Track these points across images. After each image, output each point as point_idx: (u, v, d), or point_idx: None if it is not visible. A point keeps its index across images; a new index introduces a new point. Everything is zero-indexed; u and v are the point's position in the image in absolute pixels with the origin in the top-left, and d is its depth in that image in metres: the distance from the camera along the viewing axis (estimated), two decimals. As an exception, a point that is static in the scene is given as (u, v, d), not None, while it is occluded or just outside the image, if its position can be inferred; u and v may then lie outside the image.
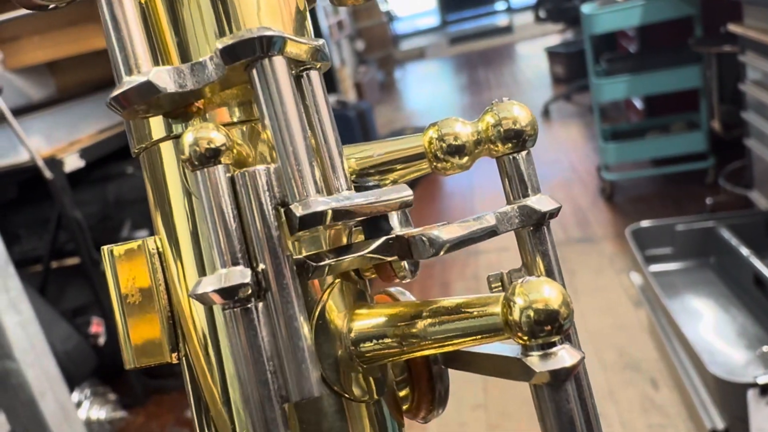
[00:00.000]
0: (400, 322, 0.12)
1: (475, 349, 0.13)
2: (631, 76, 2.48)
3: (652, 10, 2.38)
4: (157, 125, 0.12)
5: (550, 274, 0.12)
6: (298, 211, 0.10)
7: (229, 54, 0.10)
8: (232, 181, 0.10)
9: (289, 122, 0.10)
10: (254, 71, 0.10)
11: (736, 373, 0.98)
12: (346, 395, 0.12)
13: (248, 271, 0.10)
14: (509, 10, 8.64)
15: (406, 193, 0.12)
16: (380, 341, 0.12)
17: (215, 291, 0.10)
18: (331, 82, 3.96)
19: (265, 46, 0.10)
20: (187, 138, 0.10)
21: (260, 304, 0.10)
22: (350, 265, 0.12)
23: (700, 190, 2.48)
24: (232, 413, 0.14)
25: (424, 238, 0.11)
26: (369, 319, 0.12)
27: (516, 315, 0.11)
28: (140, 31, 0.10)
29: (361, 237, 0.13)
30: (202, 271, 0.12)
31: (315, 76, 0.11)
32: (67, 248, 1.97)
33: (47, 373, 1.47)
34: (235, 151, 0.10)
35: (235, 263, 0.10)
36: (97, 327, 1.95)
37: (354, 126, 3.45)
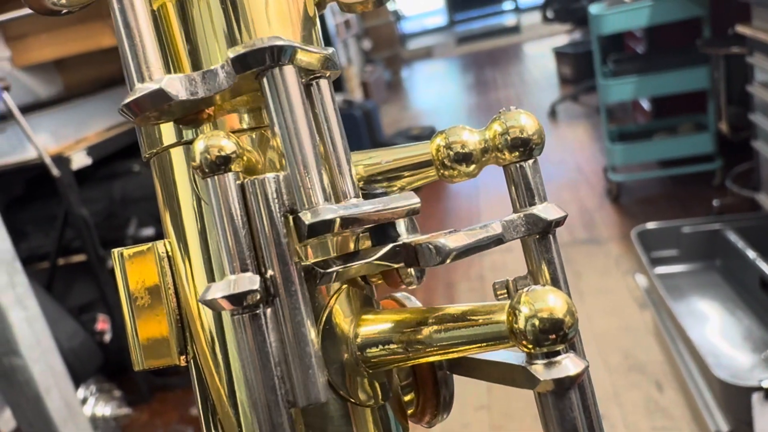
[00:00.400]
0: (405, 328, 0.12)
1: (480, 356, 0.13)
2: (639, 77, 2.47)
3: (660, 10, 2.37)
4: (167, 131, 0.12)
5: (555, 282, 0.12)
6: (307, 219, 0.10)
7: (240, 63, 0.10)
8: (242, 189, 0.10)
9: (299, 130, 0.10)
10: (265, 80, 0.11)
11: (741, 377, 0.98)
12: (352, 400, 0.12)
13: (257, 278, 0.10)
14: (517, 10, 8.62)
15: (414, 201, 0.12)
16: (386, 347, 0.12)
17: (224, 297, 0.10)
18: (337, 81, 3.96)
19: (276, 55, 0.10)
20: (198, 146, 0.10)
21: (269, 310, 0.11)
22: (358, 271, 0.12)
23: (708, 192, 2.47)
24: (239, 415, 0.14)
25: (430, 246, 0.11)
26: (375, 325, 0.12)
27: (521, 323, 0.11)
28: (153, 38, 0.10)
29: (369, 243, 0.13)
30: (210, 275, 0.12)
31: (324, 85, 0.11)
32: (74, 245, 1.98)
33: (53, 370, 1.48)
34: (245, 158, 0.10)
35: (244, 269, 0.10)
36: (102, 324, 1.95)
37: (360, 125, 3.44)
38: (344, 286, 0.12)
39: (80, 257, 1.99)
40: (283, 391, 0.11)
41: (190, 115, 0.11)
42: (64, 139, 1.97)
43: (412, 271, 0.13)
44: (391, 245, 0.11)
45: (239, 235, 0.10)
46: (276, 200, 0.10)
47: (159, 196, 0.13)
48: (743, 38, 1.89)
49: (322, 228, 0.10)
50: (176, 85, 0.10)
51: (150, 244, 0.13)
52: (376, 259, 0.11)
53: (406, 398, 0.13)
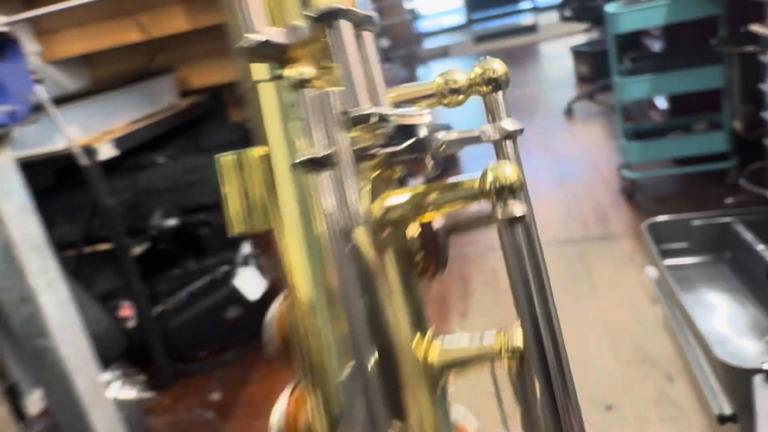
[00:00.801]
0: (416, 195, 0.17)
1: (463, 216, 0.17)
2: (655, 76, 2.49)
3: (676, 9, 2.39)
4: (258, 70, 0.16)
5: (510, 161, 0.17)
6: (354, 112, 0.15)
7: (315, 20, 0.15)
8: (317, 97, 0.15)
9: (353, 64, 0.15)
10: (331, 30, 0.15)
11: (745, 362, 1.01)
12: (375, 239, 0.17)
13: (327, 150, 0.15)
14: (535, 9, 8.62)
15: (426, 112, 0.16)
16: (403, 207, 0.16)
17: (310, 160, 0.14)
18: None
19: (337, 14, 0.14)
20: (294, 73, 0.15)
21: (332, 172, 0.15)
22: (387, 156, 0.16)
23: (721, 190, 2.49)
24: (314, 265, 0.17)
25: (431, 136, 0.15)
26: (398, 195, 0.17)
27: (487, 185, 0.15)
28: (258, 4, 0.15)
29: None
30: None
31: (368, 35, 0.16)
32: (100, 234, 2.04)
33: (81, 352, 1.54)
34: (318, 81, 0.15)
35: (317, 145, 0.15)
36: (126, 311, 2.02)
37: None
38: (379, 171, 0.17)
39: (105, 246, 2.05)
40: (338, 228, 0.15)
41: (281, 56, 0.15)
42: (92, 131, 2.03)
43: (430, 161, 0.17)
44: (413, 139, 0.16)
45: (314, 126, 0.15)
46: (335, 104, 0.15)
47: (251, 115, 0.17)
48: (758, 37, 1.91)
49: (362, 119, 0.14)
50: (276, 35, 0.14)
51: (247, 150, 0.17)
52: (401, 150, 0.16)
53: (417, 259, 0.17)
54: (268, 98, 0.16)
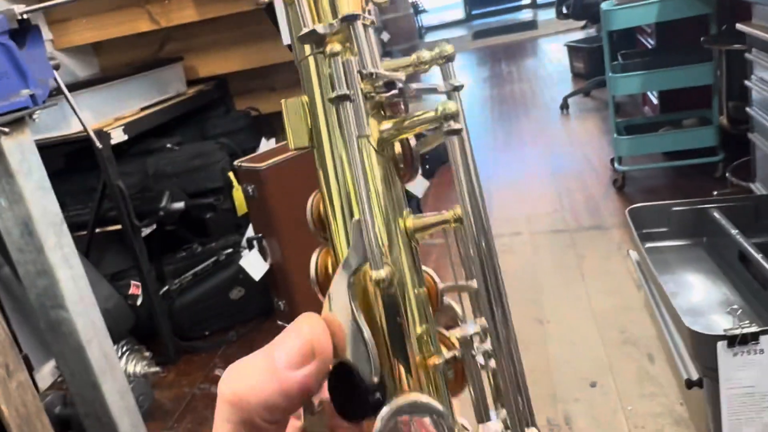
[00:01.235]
0: (397, 122, 0.25)
1: (427, 138, 0.26)
2: (646, 72, 2.57)
3: (668, 7, 2.47)
4: (307, 49, 0.25)
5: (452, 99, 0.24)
6: (363, 71, 0.23)
7: (342, 20, 0.23)
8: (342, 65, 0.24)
9: (363, 45, 0.23)
10: (351, 26, 0.24)
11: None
12: (376, 149, 0.25)
13: (349, 92, 0.23)
14: (534, 5, 8.69)
15: (403, 74, 0.24)
16: (390, 129, 0.24)
17: (338, 96, 0.23)
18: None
19: (356, 17, 0.23)
20: (330, 49, 0.23)
21: (351, 103, 0.23)
22: (381, 98, 0.24)
23: (709, 183, 2.57)
24: (336, 167, 0.25)
25: (406, 87, 0.24)
26: (387, 122, 0.24)
27: (439, 112, 0.23)
28: (308, 8, 0.24)
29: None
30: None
31: (370, 31, 0.24)
32: (109, 216, 2.12)
33: (94, 324, 1.62)
34: (344, 54, 0.24)
35: (343, 89, 0.23)
36: (134, 289, 2.10)
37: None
38: (376, 109, 0.25)
39: (114, 227, 2.13)
40: (355, 135, 0.23)
41: (322, 41, 0.24)
42: (103, 116, 2.11)
43: (405, 103, 0.25)
44: (394, 90, 0.24)
45: (342, 79, 0.23)
46: (353, 67, 0.23)
47: (303, 83, 0.25)
48: (744, 35, 1.99)
49: (368, 75, 0.23)
50: (320, 28, 0.23)
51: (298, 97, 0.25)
52: (389, 95, 0.24)
53: (400, 166, 0.26)
54: (312, 67, 0.25)
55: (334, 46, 0.23)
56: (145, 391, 1.90)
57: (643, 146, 2.71)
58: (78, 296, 1.59)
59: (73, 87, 2.12)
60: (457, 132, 0.23)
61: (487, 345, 0.23)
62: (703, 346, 1.06)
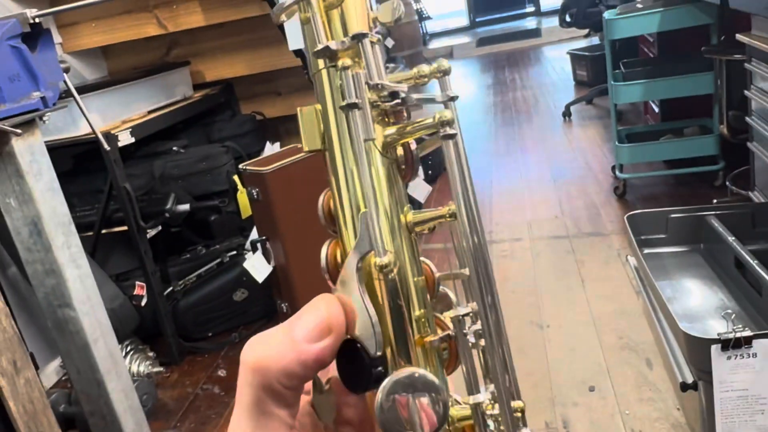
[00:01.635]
0: (400, 128, 0.27)
1: (426, 142, 0.28)
2: (647, 81, 2.60)
3: (669, 17, 2.50)
4: (320, 62, 0.28)
5: (451, 124, 0.27)
6: (370, 83, 0.26)
7: (352, 38, 0.26)
8: (352, 76, 0.26)
9: (370, 59, 0.26)
10: (360, 43, 0.26)
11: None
12: (380, 150, 0.27)
13: (357, 101, 0.26)
14: (538, 13, 8.73)
15: (406, 85, 0.27)
16: (393, 134, 0.27)
17: (348, 105, 0.25)
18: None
19: (364, 36, 0.26)
20: (341, 63, 0.26)
21: (359, 111, 0.26)
22: (385, 107, 0.27)
23: (709, 191, 2.60)
24: (346, 169, 0.28)
25: (408, 97, 0.26)
26: (390, 128, 0.27)
27: (436, 119, 0.26)
28: (322, 27, 0.27)
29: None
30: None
31: (377, 46, 0.27)
32: (115, 217, 2.15)
33: (100, 323, 1.64)
34: (353, 68, 0.26)
35: (352, 98, 0.26)
36: (139, 289, 2.13)
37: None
38: (381, 116, 0.28)
39: (120, 228, 2.15)
40: (362, 138, 0.26)
41: (334, 56, 0.27)
42: (111, 119, 2.14)
43: (407, 111, 0.28)
44: (397, 99, 0.27)
45: (351, 90, 0.26)
46: (361, 79, 0.26)
47: (317, 93, 0.28)
48: (744, 46, 2.01)
49: (374, 87, 0.26)
50: (333, 44, 0.26)
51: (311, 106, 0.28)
52: (392, 104, 0.27)
53: (402, 167, 0.28)
54: (325, 78, 0.28)
55: (345, 61, 0.26)
56: (148, 391, 1.92)
57: (644, 154, 2.73)
58: (85, 295, 1.61)
59: (82, 90, 2.15)
60: (452, 137, 0.25)
61: (478, 326, 0.26)
62: (697, 350, 1.08)
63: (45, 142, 1.53)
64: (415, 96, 0.27)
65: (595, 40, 5.18)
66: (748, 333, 1.06)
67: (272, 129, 2.77)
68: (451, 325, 0.26)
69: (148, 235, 2.13)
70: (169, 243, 2.35)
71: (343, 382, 0.25)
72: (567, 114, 4.17)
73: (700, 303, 1.48)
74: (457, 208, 0.26)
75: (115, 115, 2.17)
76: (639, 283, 1.57)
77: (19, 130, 1.39)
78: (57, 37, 2.48)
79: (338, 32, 0.26)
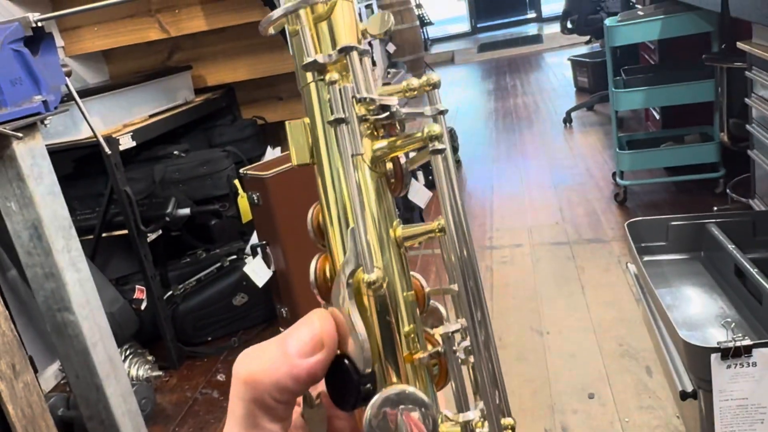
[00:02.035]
0: (390, 142, 0.27)
1: (415, 156, 0.28)
2: (648, 88, 2.60)
3: (670, 25, 2.50)
4: (309, 76, 0.28)
5: (440, 138, 0.27)
6: (358, 97, 0.26)
7: (340, 51, 0.26)
8: (339, 90, 0.26)
9: (358, 73, 0.26)
10: (347, 56, 0.27)
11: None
12: (368, 163, 0.27)
13: (344, 115, 0.26)
14: (539, 19, 8.75)
15: (396, 99, 0.27)
16: (383, 148, 0.27)
17: (335, 119, 0.25)
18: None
19: (352, 49, 0.26)
20: (330, 77, 0.26)
21: (347, 126, 0.26)
22: (374, 121, 0.27)
23: (710, 198, 2.60)
24: (334, 184, 0.28)
25: (398, 111, 0.26)
26: (379, 142, 0.27)
27: (425, 133, 0.26)
28: (311, 39, 0.27)
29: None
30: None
31: (366, 59, 0.27)
32: (115, 221, 2.15)
33: (99, 327, 1.64)
34: (341, 81, 0.26)
35: (339, 112, 0.26)
36: (139, 293, 2.13)
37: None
38: (370, 130, 0.28)
39: (120, 232, 2.16)
40: (350, 153, 0.26)
41: (322, 69, 0.27)
42: (112, 123, 2.14)
43: (399, 124, 0.28)
44: (386, 113, 0.27)
45: (339, 104, 0.26)
46: (349, 93, 0.26)
47: (305, 105, 0.28)
48: (745, 53, 2.02)
49: (362, 100, 0.26)
50: (320, 57, 0.26)
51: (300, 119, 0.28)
52: (381, 117, 0.27)
53: (391, 181, 0.28)
54: (314, 92, 0.28)
55: (333, 75, 0.26)
56: (147, 395, 1.92)
57: (645, 161, 2.74)
58: (84, 299, 1.61)
59: (84, 93, 2.15)
60: (441, 151, 0.25)
61: (467, 342, 0.26)
62: (697, 358, 1.08)
63: (46, 145, 1.53)
64: (404, 110, 0.27)
65: (596, 46, 5.19)
66: (748, 342, 1.06)
67: (273, 133, 2.77)
68: (440, 341, 0.26)
69: (149, 239, 2.13)
70: (169, 247, 2.35)
71: (331, 398, 0.25)
72: (568, 120, 4.17)
73: (700, 311, 1.48)
74: (446, 223, 0.26)
75: (116, 119, 2.18)
76: (639, 290, 1.57)
77: (20, 134, 1.40)
78: (59, 41, 2.48)
79: (327, 45, 0.26)
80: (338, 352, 0.25)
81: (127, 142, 2.05)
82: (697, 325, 1.44)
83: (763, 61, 1.86)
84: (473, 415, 0.26)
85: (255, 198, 2.03)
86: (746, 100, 2.03)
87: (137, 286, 2.15)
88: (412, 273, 0.27)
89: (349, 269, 0.25)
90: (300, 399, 0.28)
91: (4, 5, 2.24)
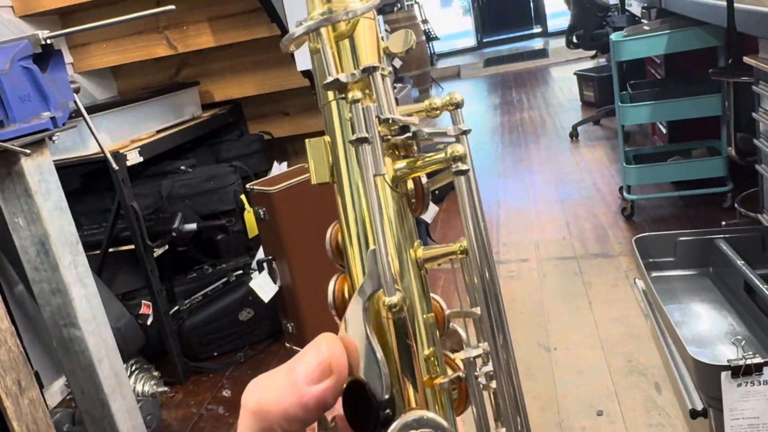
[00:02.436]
0: (411, 162, 0.27)
1: (437, 177, 0.28)
2: (655, 102, 2.60)
3: (676, 40, 2.50)
4: (330, 95, 0.28)
5: (462, 158, 0.27)
6: (380, 117, 0.26)
7: (363, 71, 0.26)
8: (363, 109, 0.26)
9: (381, 92, 0.26)
10: (370, 76, 0.26)
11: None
12: (389, 184, 0.27)
13: (367, 135, 0.26)
14: (545, 34, 8.78)
15: (418, 119, 0.27)
16: (404, 168, 0.27)
17: (358, 139, 0.25)
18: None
19: (375, 69, 0.26)
20: (353, 95, 0.26)
21: (369, 145, 0.25)
22: (396, 141, 0.27)
23: (717, 213, 2.58)
24: (354, 204, 0.28)
25: (419, 131, 0.26)
26: (401, 162, 0.27)
27: (448, 154, 0.26)
28: (332, 58, 0.26)
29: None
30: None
31: (387, 80, 0.27)
32: (122, 236, 2.15)
33: (105, 342, 1.64)
34: (363, 101, 0.26)
35: (362, 132, 0.26)
36: (145, 308, 2.12)
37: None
38: (392, 149, 0.27)
39: (127, 247, 2.16)
40: (372, 173, 0.26)
41: (343, 88, 0.27)
42: (120, 138, 2.15)
43: (415, 145, 0.28)
44: (408, 133, 0.27)
45: (362, 123, 0.26)
46: (372, 113, 0.26)
47: (326, 123, 0.28)
48: (752, 68, 2.01)
49: (384, 121, 0.25)
50: (342, 76, 0.26)
51: (321, 137, 0.28)
52: (403, 138, 0.27)
53: (412, 201, 0.28)
54: (335, 111, 0.27)
55: (355, 94, 0.25)
56: (153, 411, 1.91)
57: (652, 175, 2.73)
58: (91, 315, 1.61)
59: (92, 109, 2.17)
60: (464, 172, 0.25)
61: (489, 367, 0.25)
62: (707, 377, 1.07)
63: (54, 160, 1.53)
64: (426, 130, 0.26)
65: (602, 61, 5.20)
66: (759, 360, 1.05)
67: (280, 149, 2.78)
68: (461, 365, 0.26)
69: (155, 254, 2.13)
70: (175, 262, 2.35)
71: (349, 423, 0.25)
72: (574, 134, 4.17)
73: (709, 328, 1.47)
74: (469, 245, 0.26)
75: (124, 135, 2.18)
76: (647, 306, 1.56)
77: (28, 150, 1.40)
78: (68, 57, 2.50)
79: (348, 63, 0.26)
80: (353, 377, 0.25)
81: (134, 158, 2.06)
82: (707, 342, 1.43)
83: (771, 76, 1.86)
84: None
85: (261, 213, 2.04)
86: (754, 114, 2.03)
87: (143, 301, 2.15)
88: (432, 295, 0.27)
89: (368, 291, 0.25)
90: (315, 424, 0.27)
91: (14, 22, 2.26)
